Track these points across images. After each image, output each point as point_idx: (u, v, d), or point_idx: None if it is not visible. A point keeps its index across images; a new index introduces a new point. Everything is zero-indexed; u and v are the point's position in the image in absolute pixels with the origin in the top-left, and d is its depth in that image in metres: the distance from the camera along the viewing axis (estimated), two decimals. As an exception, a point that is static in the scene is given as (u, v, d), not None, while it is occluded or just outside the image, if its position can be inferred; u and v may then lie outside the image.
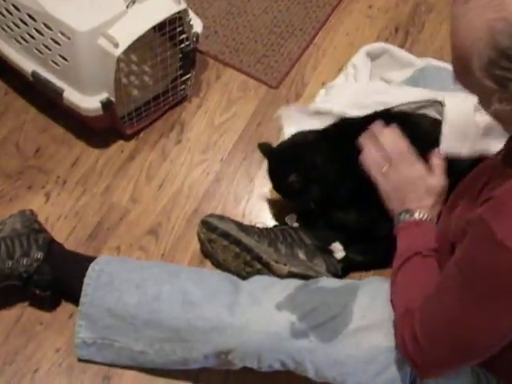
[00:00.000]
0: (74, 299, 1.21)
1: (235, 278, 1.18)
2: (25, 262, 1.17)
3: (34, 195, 1.41)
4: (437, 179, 1.10)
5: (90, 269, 1.17)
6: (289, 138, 1.33)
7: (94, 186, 1.44)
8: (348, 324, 1.04)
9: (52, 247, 1.22)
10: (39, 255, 1.18)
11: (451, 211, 0.99)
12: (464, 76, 0.77)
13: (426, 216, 1.05)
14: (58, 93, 1.36)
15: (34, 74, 1.38)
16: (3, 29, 1.40)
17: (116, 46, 1.26)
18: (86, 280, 1.16)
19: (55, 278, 1.19)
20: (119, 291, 1.14)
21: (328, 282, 1.14)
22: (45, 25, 1.29)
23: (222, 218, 1.32)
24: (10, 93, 1.57)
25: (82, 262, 1.20)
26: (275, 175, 1.33)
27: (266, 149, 1.36)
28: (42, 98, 1.50)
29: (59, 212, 1.39)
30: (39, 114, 1.54)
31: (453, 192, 1.06)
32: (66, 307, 1.26)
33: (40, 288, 1.19)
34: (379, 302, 1.07)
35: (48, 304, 1.25)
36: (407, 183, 1.09)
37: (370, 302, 1.07)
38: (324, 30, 1.82)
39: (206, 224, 1.30)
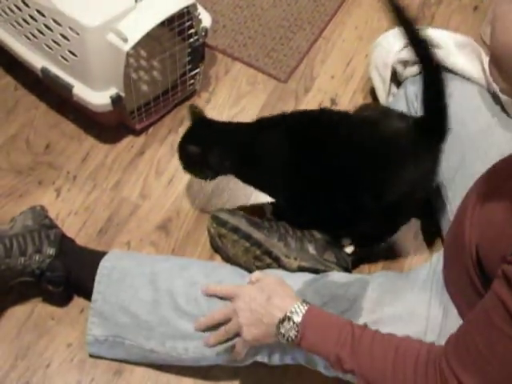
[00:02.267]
0: (86, 294, 1.22)
1: (245, 272, 1.18)
2: (37, 258, 1.17)
3: (45, 191, 1.41)
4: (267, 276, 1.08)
5: (100, 265, 1.18)
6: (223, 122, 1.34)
7: (103, 182, 1.44)
8: (357, 319, 1.04)
9: (64, 243, 1.22)
10: (51, 251, 1.18)
11: (472, 212, 0.98)
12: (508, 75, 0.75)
13: (300, 306, 0.97)
14: (68, 88, 1.37)
15: (43, 69, 1.38)
16: (13, 25, 1.40)
17: (125, 41, 1.26)
18: (98, 277, 1.17)
19: (67, 274, 1.19)
20: (132, 288, 1.15)
21: (338, 277, 1.14)
22: (54, 20, 1.29)
23: (232, 212, 1.32)
24: (19, 89, 1.57)
25: (93, 258, 1.21)
26: (182, 139, 1.32)
27: (194, 114, 1.33)
28: (52, 93, 1.50)
29: (70, 207, 1.39)
30: (49, 109, 1.54)
31: (470, 191, 1.05)
32: (77, 302, 1.27)
33: (52, 284, 1.19)
34: (389, 296, 1.07)
35: (60, 299, 1.25)
36: (257, 306, 1.02)
37: (380, 297, 1.07)
38: (333, 24, 1.82)
39: (216, 219, 1.30)
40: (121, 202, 1.42)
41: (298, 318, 0.96)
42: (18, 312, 1.25)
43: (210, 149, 1.26)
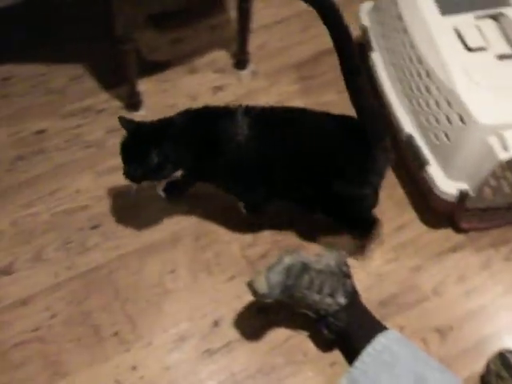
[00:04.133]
0: (347, 352, 1.24)
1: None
2: (328, 301, 1.21)
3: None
4: None
5: (377, 340, 1.18)
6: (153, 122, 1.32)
7: (405, 259, 1.44)
8: None
9: (354, 297, 1.25)
10: (343, 300, 1.21)
11: None
12: None
13: None
14: (422, 163, 1.39)
15: (408, 136, 1.43)
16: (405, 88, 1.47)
17: (505, 149, 1.24)
18: (369, 349, 1.17)
19: (346, 328, 1.21)
20: (396, 379, 1.12)
21: None
22: (446, 100, 1.31)
23: (522, 361, 1.22)
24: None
25: (373, 326, 1.22)
26: (133, 151, 1.28)
27: (128, 123, 1.30)
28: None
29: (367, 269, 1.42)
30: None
31: None
32: (333, 353, 1.28)
33: (329, 330, 1.22)
34: None
35: (322, 343, 1.28)
36: None
37: None
38: None
39: (503, 358, 1.22)
40: (413, 285, 1.40)
41: None
42: (281, 332, 1.31)
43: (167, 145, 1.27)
